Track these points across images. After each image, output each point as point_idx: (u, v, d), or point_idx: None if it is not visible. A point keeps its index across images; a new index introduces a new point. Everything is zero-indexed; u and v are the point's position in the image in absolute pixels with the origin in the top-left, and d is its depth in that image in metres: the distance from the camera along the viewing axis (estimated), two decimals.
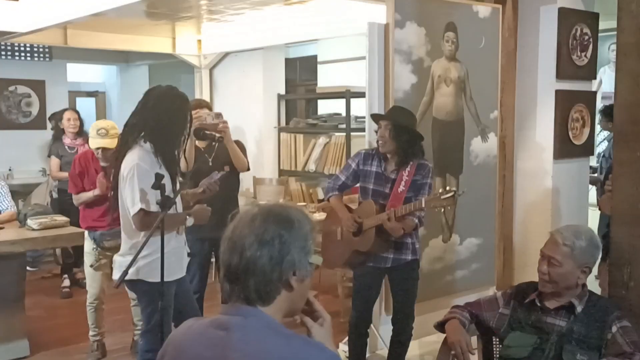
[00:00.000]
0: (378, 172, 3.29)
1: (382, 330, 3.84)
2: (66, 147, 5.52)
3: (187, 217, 2.91)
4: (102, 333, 4.14)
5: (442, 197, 2.97)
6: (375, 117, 3.36)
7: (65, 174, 5.33)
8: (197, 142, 3.82)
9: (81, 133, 5.56)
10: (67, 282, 5.60)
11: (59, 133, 5.63)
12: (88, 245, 3.98)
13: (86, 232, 3.99)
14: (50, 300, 5.43)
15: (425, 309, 3.80)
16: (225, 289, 1.38)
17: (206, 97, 6.77)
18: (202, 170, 3.62)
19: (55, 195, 5.80)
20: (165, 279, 2.71)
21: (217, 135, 3.61)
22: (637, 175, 2.34)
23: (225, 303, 1.39)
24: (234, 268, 1.35)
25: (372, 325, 3.56)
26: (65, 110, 5.78)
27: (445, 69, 4.03)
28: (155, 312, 2.82)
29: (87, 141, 5.56)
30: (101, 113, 9.42)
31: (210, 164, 3.85)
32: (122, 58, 8.81)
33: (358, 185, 3.42)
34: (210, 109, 4.09)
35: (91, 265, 3.96)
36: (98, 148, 3.91)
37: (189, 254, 3.07)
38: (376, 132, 3.28)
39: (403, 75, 3.82)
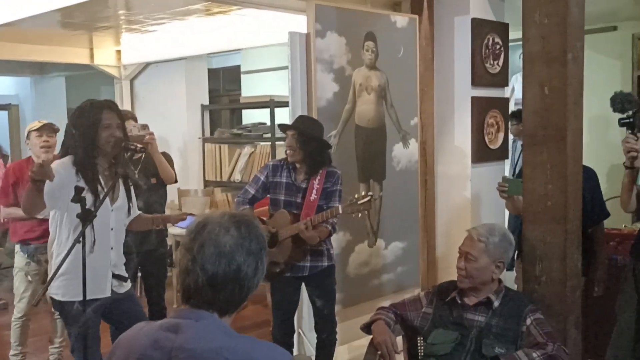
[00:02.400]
0: (288, 183, 3.30)
1: (311, 335, 3.87)
2: None
3: None
4: (25, 353, 3.96)
5: (359, 202, 3.04)
6: (283, 127, 3.37)
7: None
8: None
9: None
10: None
11: None
12: (19, 260, 3.82)
13: (17, 246, 3.83)
14: None
15: (353, 314, 3.87)
16: (187, 294, 1.39)
17: (127, 109, 6.62)
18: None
19: None
20: (76, 298, 2.63)
21: (140, 146, 3.55)
22: (546, 176, 2.49)
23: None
24: (221, 276, 1.37)
25: (300, 330, 3.57)
26: None
27: (366, 77, 4.13)
28: (74, 332, 2.73)
29: (1, 155, 5.34)
30: (14, 126, 9.02)
31: (136, 176, 3.78)
32: (37, 69, 8.49)
33: (267, 197, 3.43)
34: (135, 120, 4.02)
35: (30, 281, 3.81)
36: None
37: (116, 276, 2.89)
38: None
39: (325, 83, 3.88)
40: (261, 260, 1.41)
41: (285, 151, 3.29)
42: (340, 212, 3.11)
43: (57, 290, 2.73)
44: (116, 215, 2.86)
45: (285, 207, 3.28)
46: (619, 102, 2.78)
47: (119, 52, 6.80)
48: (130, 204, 2.95)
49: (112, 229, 2.85)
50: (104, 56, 6.74)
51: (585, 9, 6.28)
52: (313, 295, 3.41)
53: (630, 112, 2.79)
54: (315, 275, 3.34)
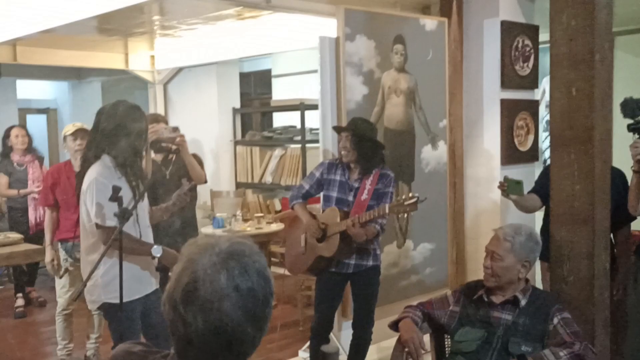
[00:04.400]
0: (342, 181, 3.39)
1: (341, 335, 3.92)
2: (15, 164, 5.45)
3: (155, 247, 2.78)
4: (70, 348, 4.10)
5: (405, 202, 3.10)
6: (337, 129, 3.49)
7: (14, 192, 5.29)
8: (153, 155, 3.85)
9: (30, 149, 5.51)
10: (21, 302, 5.50)
11: (6, 150, 5.56)
12: (60, 257, 4.01)
13: (58, 244, 4.01)
14: (2, 320, 5.33)
15: (382, 314, 3.89)
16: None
17: (160, 113, 6.78)
18: (159, 183, 3.66)
19: (5, 212, 5.71)
20: (134, 297, 2.72)
21: (174, 147, 3.66)
22: (574, 176, 2.50)
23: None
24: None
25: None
26: (12, 127, 5.70)
27: (395, 80, 4.17)
28: (116, 332, 2.80)
29: (37, 157, 5.53)
30: (53, 130, 9.29)
31: (168, 177, 3.89)
32: (74, 74, 8.73)
33: (320, 195, 3.52)
34: (166, 123, 4.13)
35: (60, 277, 3.98)
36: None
37: (157, 268, 2.98)
38: (339, 143, 3.40)
39: (355, 86, 3.94)
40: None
41: (340, 151, 3.39)
42: (387, 211, 3.18)
43: (114, 294, 2.68)
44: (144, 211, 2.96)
45: (337, 204, 3.37)
46: (629, 107, 2.80)
47: (152, 57, 6.96)
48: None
49: (148, 226, 2.95)
50: (139, 61, 6.90)
51: (616, 11, 6.21)
52: (355, 293, 3.50)
53: (639, 118, 2.80)
54: (360, 274, 3.42)
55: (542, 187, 3.37)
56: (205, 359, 1.14)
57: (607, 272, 2.59)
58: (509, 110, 4.53)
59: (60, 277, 4.01)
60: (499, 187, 3.20)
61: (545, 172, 3.46)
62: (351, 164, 3.37)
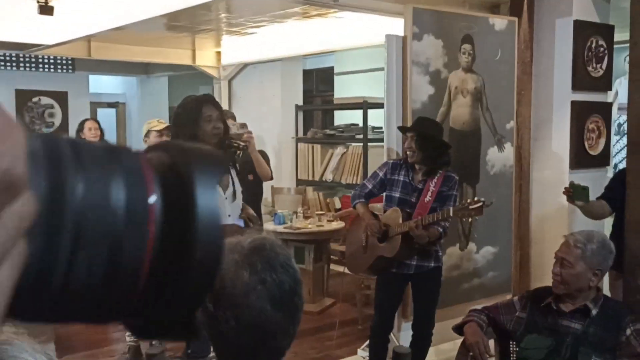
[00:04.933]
0: (405, 182, 3.37)
1: (401, 336, 3.90)
2: None
3: None
4: None
5: (471, 207, 3.06)
6: (402, 129, 3.47)
7: None
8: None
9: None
10: None
11: None
12: None
13: None
14: None
15: (443, 316, 3.86)
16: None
17: (225, 108, 6.90)
18: None
19: None
20: None
21: (242, 144, 3.72)
22: None
23: None
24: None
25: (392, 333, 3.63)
26: (85, 120, 5.92)
27: (462, 80, 4.11)
28: None
29: None
30: (121, 123, 9.60)
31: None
32: (142, 69, 8.99)
33: (383, 194, 3.52)
34: (234, 119, 4.21)
35: None
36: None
37: None
38: (404, 143, 3.38)
39: (421, 86, 3.91)
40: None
41: (405, 152, 3.37)
42: (452, 214, 3.14)
43: None
44: (230, 203, 3.02)
45: (399, 205, 3.36)
46: None
47: (218, 53, 7.09)
48: (235, 189, 3.07)
49: (229, 216, 3.01)
50: (205, 57, 7.04)
51: None
52: (416, 294, 3.49)
53: None
54: (421, 275, 3.41)
55: (613, 194, 3.27)
56: (244, 358, 1.18)
57: None
58: (580, 112, 4.40)
59: None
60: (564, 192, 3.11)
61: (617, 178, 3.34)
62: (416, 165, 3.34)
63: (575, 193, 3.06)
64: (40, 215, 0.33)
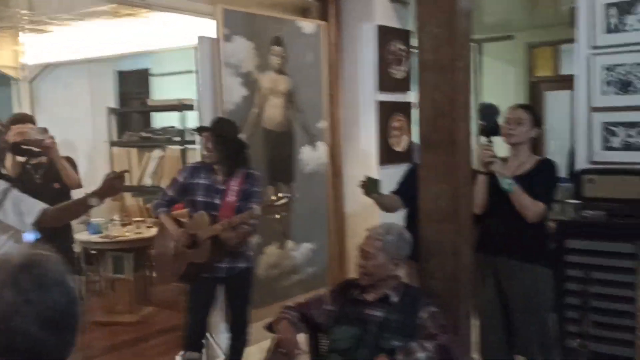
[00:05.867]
0: (207, 184, 3.33)
1: (220, 339, 3.88)
2: None
3: (90, 198, 2.62)
4: None
5: (276, 203, 3.10)
6: (199, 130, 3.42)
7: None
8: (19, 158, 3.63)
9: None
10: None
11: None
12: None
13: None
14: None
15: (264, 315, 3.89)
16: None
17: (26, 112, 6.38)
18: (29, 187, 3.45)
19: None
20: None
21: (37, 150, 3.47)
22: (439, 177, 2.63)
23: None
24: None
25: (208, 335, 3.60)
26: None
27: (274, 81, 4.19)
28: None
29: None
30: None
31: (39, 181, 3.69)
32: None
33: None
34: (34, 123, 3.90)
35: None
36: None
37: None
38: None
39: (233, 88, 3.92)
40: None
41: (202, 153, 3.31)
42: (259, 213, 3.16)
43: None
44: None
45: (204, 208, 3.30)
46: (486, 112, 3.05)
47: (18, 52, 6.54)
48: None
49: None
50: (2, 56, 6.46)
51: (483, 19, 6.60)
52: (229, 296, 3.47)
53: (490, 122, 3.04)
54: (233, 277, 3.39)
55: (403, 188, 3.51)
56: None
57: (469, 266, 2.74)
58: (385, 112, 4.69)
59: None
60: (359, 185, 3.28)
61: (407, 173, 3.60)
62: (214, 166, 3.32)
63: (370, 186, 3.23)
64: None
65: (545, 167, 3.12)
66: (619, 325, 3.40)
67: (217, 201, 3.30)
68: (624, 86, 4.05)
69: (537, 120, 3.17)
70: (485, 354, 3.16)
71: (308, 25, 4.46)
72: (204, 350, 3.52)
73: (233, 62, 3.91)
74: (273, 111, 4.19)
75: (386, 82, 4.70)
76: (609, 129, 4.12)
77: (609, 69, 4.08)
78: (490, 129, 3.10)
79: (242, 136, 3.90)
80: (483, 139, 3.11)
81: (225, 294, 3.50)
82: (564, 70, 6.67)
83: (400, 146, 4.84)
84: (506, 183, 2.99)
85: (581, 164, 4.21)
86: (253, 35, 4.03)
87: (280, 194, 3.15)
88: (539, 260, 3.10)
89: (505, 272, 3.09)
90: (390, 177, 4.68)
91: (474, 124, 3.19)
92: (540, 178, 3.05)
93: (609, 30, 4.06)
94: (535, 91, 7.08)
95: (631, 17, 3.98)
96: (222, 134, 3.27)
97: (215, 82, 3.87)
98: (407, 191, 3.36)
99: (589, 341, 3.61)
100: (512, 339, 3.17)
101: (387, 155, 4.70)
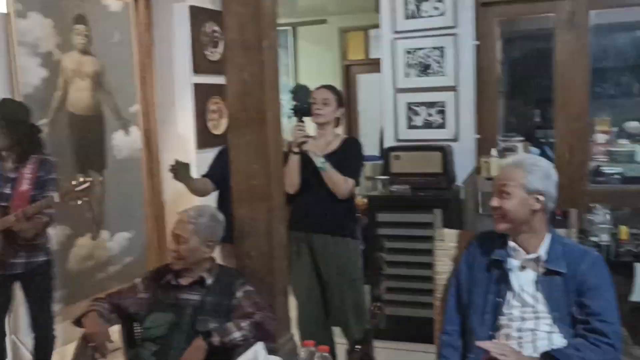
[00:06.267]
0: None
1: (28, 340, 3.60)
2: None
3: None
4: None
5: (77, 188, 2.91)
6: None
7: None
8: None
9: None
10: None
11: None
12: None
13: None
14: None
15: (77, 311, 3.68)
16: None
17: None
18: None
19: None
20: None
21: None
22: (250, 157, 2.64)
23: None
24: None
25: (14, 337, 3.32)
26: None
27: (79, 62, 3.93)
28: None
29: None
30: None
31: None
32: None
33: None
34: None
35: None
36: None
37: None
38: None
39: (31, 69, 3.61)
40: None
41: None
42: (58, 200, 2.93)
43: None
44: None
45: None
46: (300, 93, 3.15)
47: None
48: None
49: None
50: None
51: (298, 3, 6.73)
52: (29, 293, 3.20)
53: (302, 103, 3.15)
54: (31, 272, 3.13)
55: (213, 170, 3.50)
56: None
57: (284, 244, 2.80)
58: (202, 94, 4.63)
59: None
60: (169, 170, 3.22)
61: (217, 156, 3.59)
62: (3, 152, 3.06)
63: (180, 170, 3.19)
64: None
65: (351, 145, 3.27)
66: (420, 290, 3.72)
67: (7, 191, 3.02)
68: (424, 68, 4.38)
69: (341, 101, 3.31)
70: (304, 328, 3.26)
71: (115, 3, 4.23)
72: (9, 355, 3.24)
73: (29, 41, 3.59)
74: (79, 94, 3.93)
75: (202, 64, 4.63)
76: (412, 109, 4.44)
77: (410, 52, 4.39)
78: (302, 109, 3.18)
79: (45, 121, 3.62)
80: (295, 120, 3.18)
81: (23, 291, 3.21)
82: (373, 54, 7.04)
83: (219, 129, 4.80)
84: (320, 162, 3.09)
85: (389, 142, 4.51)
86: (51, 12, 3.73)
87: (81, 179, 2.95)
88: (351, 233, 3.26)
89: (320, 247, 3.20)
90: (209, 161, 4.67)
91: (288, 105, 3.27)
92: (348, 156, 3.20)
93: (408, 16, 4.36)
94: (348, 74, 7.40)
95: (427, 4, 4.31)
96: (9, 117, 2.99)
97: (10, 62, 3.54)
98: (218, 173, 3.34)
99: (389, 306, 3.90)
100: (328, 311, 3.31)
101: (206, 139, 4.64)
